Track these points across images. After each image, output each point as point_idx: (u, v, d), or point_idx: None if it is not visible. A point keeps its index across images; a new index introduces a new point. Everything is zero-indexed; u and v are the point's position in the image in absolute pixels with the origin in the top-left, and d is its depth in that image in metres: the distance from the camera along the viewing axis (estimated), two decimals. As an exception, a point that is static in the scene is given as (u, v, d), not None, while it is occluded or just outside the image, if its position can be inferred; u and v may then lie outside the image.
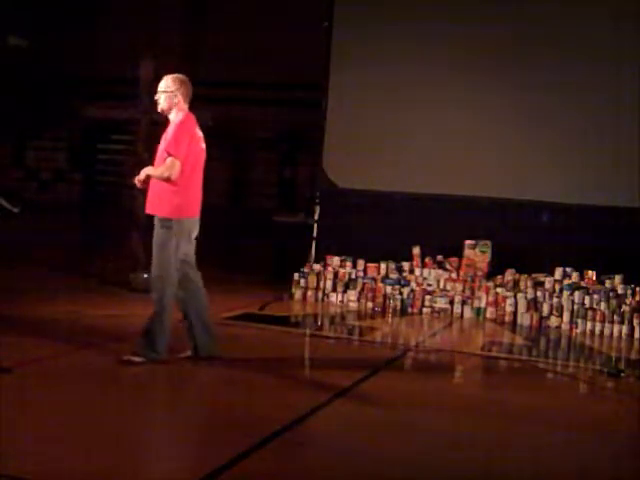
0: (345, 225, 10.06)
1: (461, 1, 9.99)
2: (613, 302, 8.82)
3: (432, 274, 9.48)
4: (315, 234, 10.23)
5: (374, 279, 9.55)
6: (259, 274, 10.71)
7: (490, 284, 9.28)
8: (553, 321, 8.97)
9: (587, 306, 8.89)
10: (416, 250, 9.64)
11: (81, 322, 7.34)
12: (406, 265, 9.62)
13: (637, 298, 8.81)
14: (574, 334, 8.77)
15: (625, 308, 8.76)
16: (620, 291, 8.92)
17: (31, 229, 10.45)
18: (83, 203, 14.62)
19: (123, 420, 4.85)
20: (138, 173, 6.04)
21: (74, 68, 14.31)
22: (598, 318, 8.79)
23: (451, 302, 9.27)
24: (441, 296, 9.31)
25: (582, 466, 4.70)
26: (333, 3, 10.35)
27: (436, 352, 7.71)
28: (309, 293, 9.65)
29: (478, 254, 9.48)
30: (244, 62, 13.57)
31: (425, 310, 9.28)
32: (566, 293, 9.01)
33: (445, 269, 9.52)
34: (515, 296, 9.14)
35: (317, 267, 9.79)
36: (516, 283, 9.27)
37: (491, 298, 9.19)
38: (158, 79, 6.19)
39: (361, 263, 9.71)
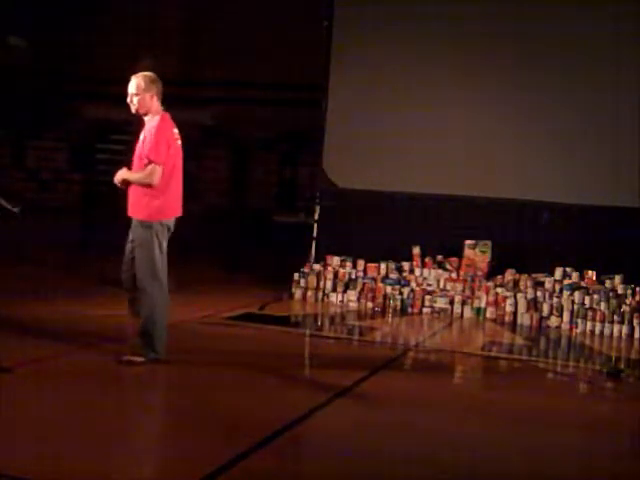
0: (345, 225, 10.07)
1: (461, 1, 9.99)
2: (613, 302, 8.82)
3: (432, 274, 9.49)
4: (315, 234, 10.22)
5: (374, 279, 9.55)
6: (259, 274, 10.71)
7: (490, 284, 9.28)
8: (553, 321, 8.97)
9: (587, 306, 8.90)
10: (416, 250, 9.65)
11: (81, 322, 7.33)
12: (406, 265, 9.62)
13: (637, 298, 8.82)
14: (574, 334, 8.77)
15: (625, 308, 8.76)
16: (620, 291, 8.92)
17: (31, 229, 10.44)
18: (83, 203, 14.63)
19: (123, 420, 4.85)
20: (114, 174, 6.05)
21: (74, 68, 14.32)
22: (598, 318, 8.79)
23: (451, 302, 9.27)
24: (441, 296, 9.31)
25: (582, 466, 4.70)
26: (333, 3, 10.35)
27: (436, 352, 7.71)
28: (309, 293, 9.65)
29: (478, 254, 9.48)
30: (244, 62, 13.59)
31: (425, 310, 9.28)
32: (566, 293, 9.01)
33: (445, 269, 9.52)
34: (515, 296, 9.14)
35: (317, 267, 9.79)
36: (516, 283, 9.27)
37: (491, 298, 9.19)
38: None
39: (361, 263, 9.71)
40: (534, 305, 9.08)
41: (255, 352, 6.84)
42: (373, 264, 9.67)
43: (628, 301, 8.80)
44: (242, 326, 7.85)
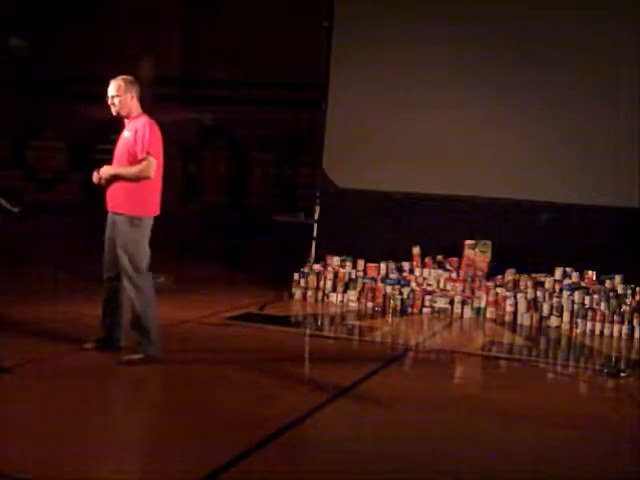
0: (345, 225, 10.06)
1: (461, 1, 9.99)
2: (613, 302, 8.82)
3: (432, 274, 9.49)
4: (315, 234, 10.22)
5: (374, 279, 9.55)
6: (259, 274, 10.71)
7: (490, 284, 9.28)
8: (553, 321, 8.97)
9: (587, 306, 8.90)
10: (416, 250, 9.65)
11: (81, 322, 7.33)
12: (406, 265, 9.62)
13: (637, 298, 8.82)
14: (574, 334, 8.78)
15: (625, 308, 8.76)
16: (620, 291, 8.92)
17: (31, 229, 10.43)
18: (83, 203, 14.61)
19: (123, 420, 4.85)
20: (98, 170, 6.10)
21: (74, 68, 14.31)
22: (598, 318, 8.78)
23: (451, 302, 9.27)
24: (441, 296, 9.31)
25: (582, 466, 4.69)
26: (333, 3, 10.36)
27: (436, 352, 7.71)
28: (309, 293, 9.65)
29: (478, 254, 9.48)
30: (244, 62, 13.58)
31: (425, 310, 9.28)
32: (566, 293, 9.01)
33: (445, 269, 9.52)
34: (515, 296, 9.14)
35: (317, 267, 9.79)
36: (516, 283, 9.27)
37: (491, 298, 9.19)
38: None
39: (361, 263, 9.72)
40: (534, 305, 9.08)
41: (255, 352, 6.84)
42: (373, 264, 9.68)
43: (628, 301, 8.80)
44: (242, 326, 7.85)
